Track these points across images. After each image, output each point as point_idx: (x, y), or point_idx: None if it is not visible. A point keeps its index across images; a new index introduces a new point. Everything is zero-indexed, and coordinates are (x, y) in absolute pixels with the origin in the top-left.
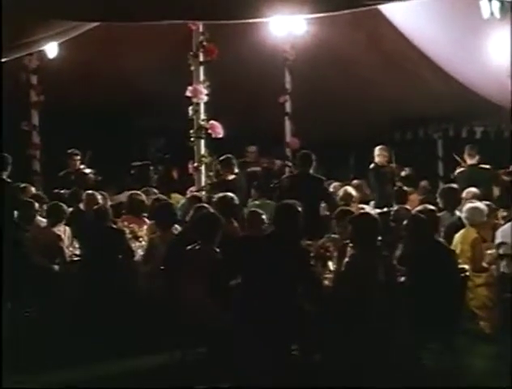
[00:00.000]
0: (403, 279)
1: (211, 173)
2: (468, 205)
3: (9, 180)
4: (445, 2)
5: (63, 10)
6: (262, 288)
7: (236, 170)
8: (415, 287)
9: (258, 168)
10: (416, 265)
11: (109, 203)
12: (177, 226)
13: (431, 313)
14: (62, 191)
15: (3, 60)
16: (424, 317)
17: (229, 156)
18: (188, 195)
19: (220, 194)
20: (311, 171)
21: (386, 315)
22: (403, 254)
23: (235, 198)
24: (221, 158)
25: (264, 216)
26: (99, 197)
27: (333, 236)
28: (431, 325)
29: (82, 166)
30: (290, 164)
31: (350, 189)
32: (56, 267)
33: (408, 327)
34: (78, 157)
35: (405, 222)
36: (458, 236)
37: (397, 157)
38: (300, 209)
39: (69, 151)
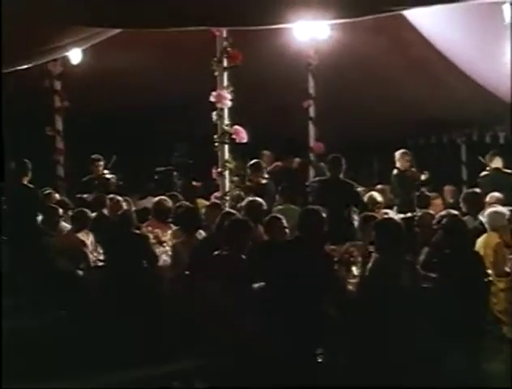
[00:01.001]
0: (427, 284)
1: (236, 178)
2: (489, 209)
3: (30, 185)
4: (468, 6)
5: (86, 16)
6: (286, 293)
7: (266, 175)
8: (443, 291)
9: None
10: (449, 268)
11: (133, 208)
12: (201, 231)
13: (455, 317)
14: (85, 196)
15: (28, 66)
16: (448, 321)
17: (259, 160)
18: (209, 202)
19: (250, 199)
20: (341, 175)
21: (410, 320)
22: (427, 258)
23: (263, 203)
24: (252, 162)
25: (284, 221)
26: (123, 202)
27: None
28: (455, 329)
29: (105, 171)
30: (323, 164)
31: (375, 194)
32: (80, 273)
33: (432, 332)
34: (102, 163)
35: (443, 222)
36: (480, 240)
37: (421, 162)
38: (324, 214)
39: (92, 156)
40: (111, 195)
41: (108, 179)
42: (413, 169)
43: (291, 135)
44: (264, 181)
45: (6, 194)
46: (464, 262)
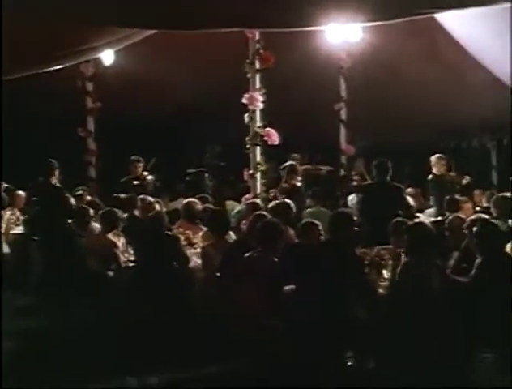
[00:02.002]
0: (456, 288)
1: (264, 181)
2: None
3: (58, 185)
4: (500, 11)
5: (120, 17)
6: (317, 295)
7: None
8: (477, 294)
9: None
10: (484, 274)
11: (164, 209)
12: (231, 233)
13: (486, 322)
14: (122, 195)
15: (60, 67)
16: (478, 326)
17: (294, 162)
18: (245, 202)
19: (277, 201)
20: (388, 178)
21: (439, 324)
22: (457, 263)
23: (292, 205)
24: (287, 164)
25: (320, 228)
26: (156, 204)
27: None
28: (485, 335)
29: (144, 173)
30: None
31: (408, 198)
32: (110, 273)
33: (462, 337)
34: (141, 164)
35: (476, 228)
36: (509, 245)
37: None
38: (354, 217)
39: (132, 157)
40: (141, 196)
41: (147, 180)
42: (452, 174)
43: (322, 138)
44: (299, 184)
45: (35, 194)
46: (497, 266)
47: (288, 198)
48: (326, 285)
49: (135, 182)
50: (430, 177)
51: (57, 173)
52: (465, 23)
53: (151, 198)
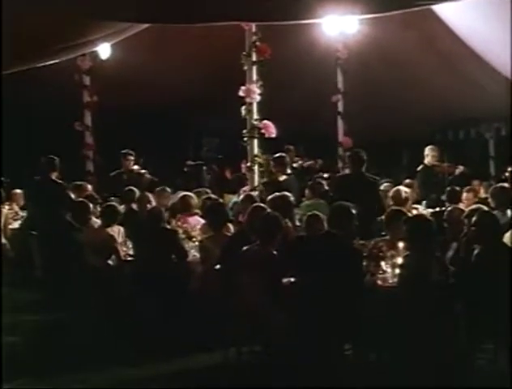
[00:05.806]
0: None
1: (261, 171)
2: None
3: (59, 180)
4: (497, 1)
5: (116, 11)
6: (315, 287)
7: (289, 170)
8: (474, 286)
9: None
10: (482, 264)
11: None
12: (229, 225)
13: (486, 313)
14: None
15: (57, 61)
16: (478, 317)
17: (282, 154)
18: (241, 195)
19: (277, 194)
20: (363, 170)
21: (440, 315)
22: (456, 254)
23: (291, 197)
24: (274, 156)
25: (324, 222)
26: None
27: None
28: (485, 325)
29: (135, 167)
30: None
31: (402, 189)
32: (109, 267)
33: (462, 327)
34: (132, 158)
35: (475, 219)
36: (508, 236)
37: (449, 156)
38: (354, 211)
39: (123, 151)
40: (133, 189)
41: (141, 174)
42: (445, 164)
43: (320, 130)
44: (284, 177)
45: (36, 189)
46: (495, 256)
47: (276, 190)
48: (325, 278)
49: (125, 176)
50: (420, 167)
51: (58, 168)
52: (463, 14)
53: (147, 193)
